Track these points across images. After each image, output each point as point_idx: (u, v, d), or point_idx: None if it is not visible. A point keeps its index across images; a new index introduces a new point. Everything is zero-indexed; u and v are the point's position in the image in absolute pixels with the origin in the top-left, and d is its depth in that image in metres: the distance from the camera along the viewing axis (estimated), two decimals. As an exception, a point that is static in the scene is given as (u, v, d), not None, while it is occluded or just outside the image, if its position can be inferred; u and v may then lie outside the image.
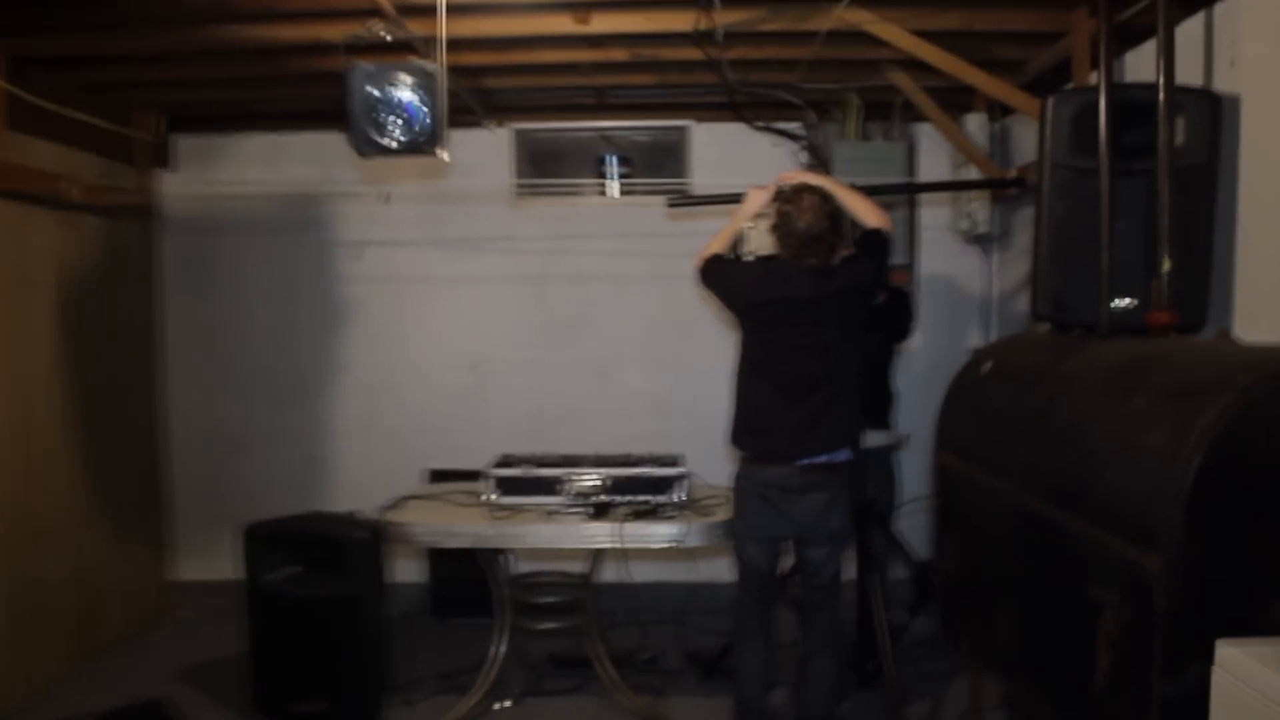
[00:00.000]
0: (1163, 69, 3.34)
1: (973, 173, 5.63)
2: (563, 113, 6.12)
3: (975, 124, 5.65)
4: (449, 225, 6.17)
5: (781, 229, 3.90)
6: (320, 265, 6.20)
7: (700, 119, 6.13)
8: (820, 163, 5.97)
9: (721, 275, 4.08)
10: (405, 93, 3.42)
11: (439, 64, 3.45)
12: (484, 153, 6.07)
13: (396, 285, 6.18)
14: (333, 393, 6.25)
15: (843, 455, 3.97)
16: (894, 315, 5.23)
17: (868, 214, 4.02)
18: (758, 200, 4.10)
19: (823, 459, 3.92)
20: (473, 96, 5.50)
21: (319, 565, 4.54)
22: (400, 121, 3.45)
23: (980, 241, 5.98)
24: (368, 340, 6.22)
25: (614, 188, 6.17)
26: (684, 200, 5.15)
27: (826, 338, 3.92)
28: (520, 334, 6.23)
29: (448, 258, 6.18)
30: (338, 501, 5.92)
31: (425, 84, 3.45)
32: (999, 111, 5.63)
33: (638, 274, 6.17)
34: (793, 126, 6.05)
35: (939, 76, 5.42)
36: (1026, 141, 5.63)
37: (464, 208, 6.13)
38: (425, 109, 3.41)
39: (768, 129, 6.02)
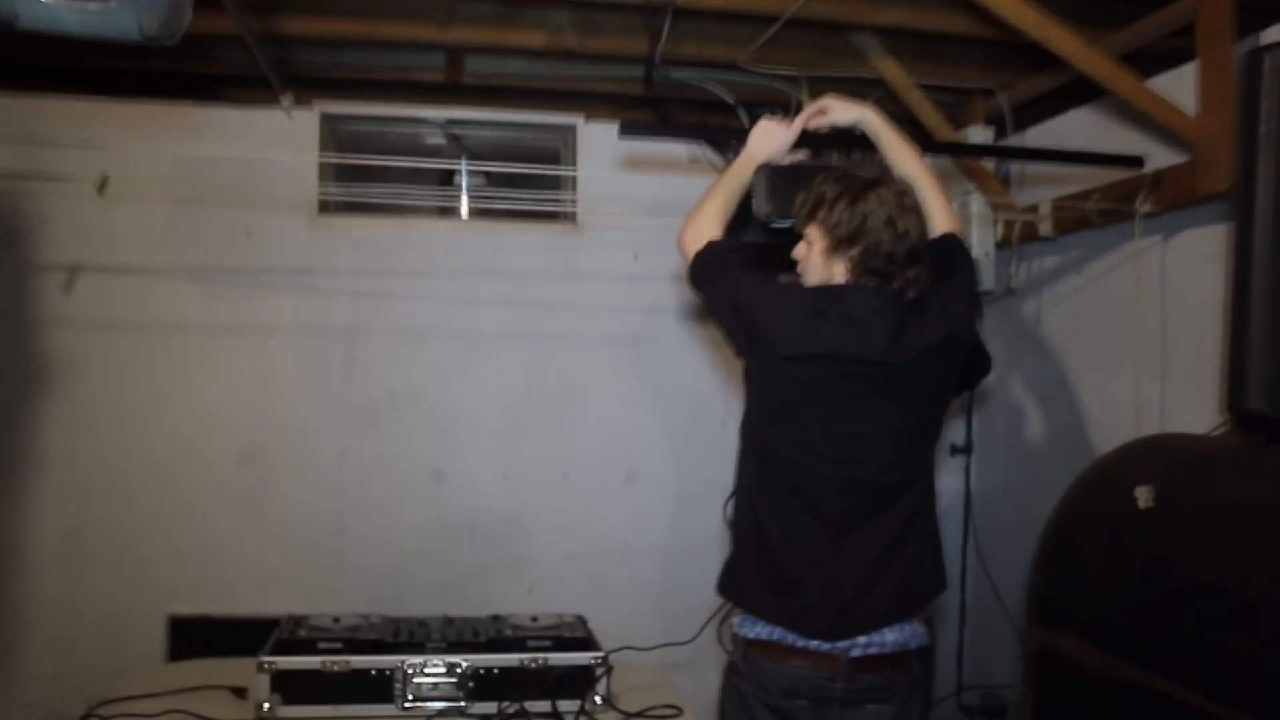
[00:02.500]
0: None
1: (976, 201, 4.04)
2: (395, 93, 4.22)
3: (978, 140, 4.11)
4: (213, 243, 4.10)
5: (849, 237, 2.31)
6: (5, 299, 4.02)
7: (592, 115, 4.36)
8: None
9: (732, 292, 2.44)
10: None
11: None
12: (275, 143, 4.09)
13: (126, 334, 4.05)
14: (21, 498, 4.00)
15: (919, 635, 2.40)
16: None
17: (941, 206, 2.55)
18: (774, 139, 2.68)
19: (890, 642, 2.35)
20: (262, 52, 3.57)
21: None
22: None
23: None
24: (80, 417, 4.02)
25: (464, 203, 4.31)
26: (642, 129, 3.36)
27: (905, 421, 2.37)
28: (318, 413, 4.17)
29: (209, 294, 4.09)
30: (21, 676, 3.92)
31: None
32: (1009, 125, 4.10)
33: (494, 329, 4.27)
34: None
35: (940, 68, 3.91)
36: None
37: (238, 219, 4.09)
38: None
39: (694, 133, 4.29)
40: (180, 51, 3.78)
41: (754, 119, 4.23)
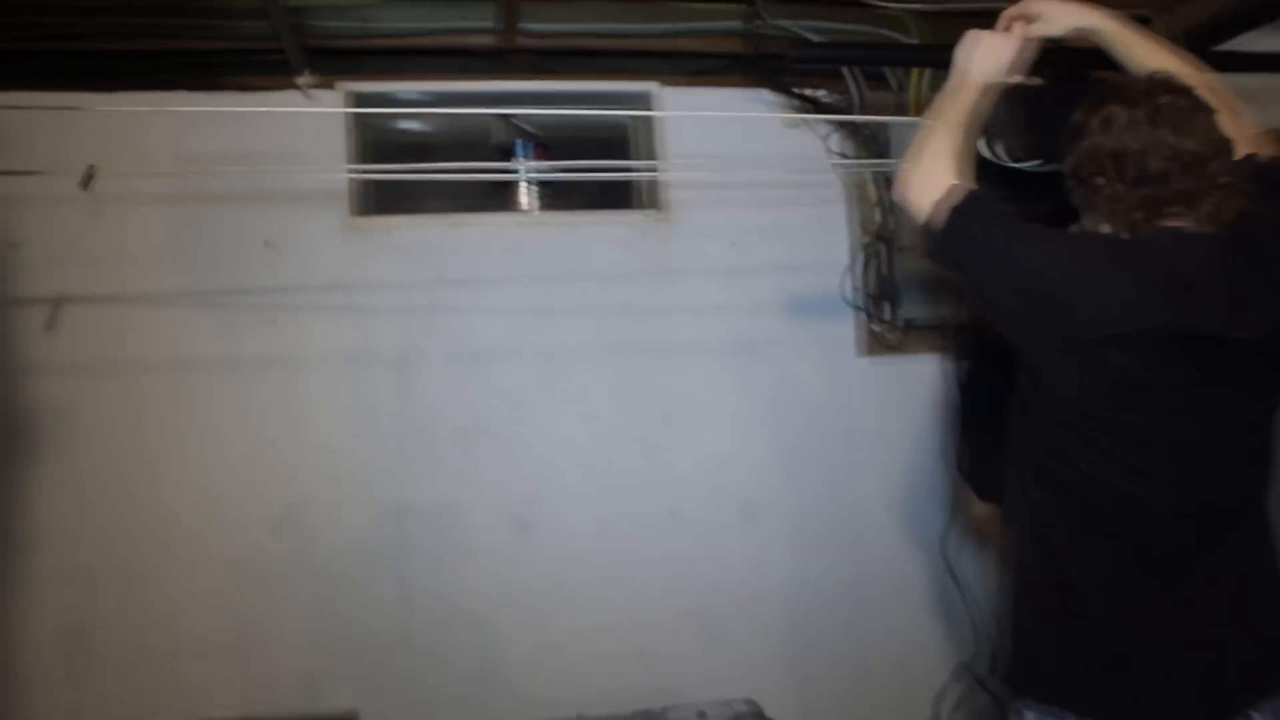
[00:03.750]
0: None
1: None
2: (431, 67, 3.51)
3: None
4: (226, 259, 3.37)
5: (1114, 159, 1.74)
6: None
7: (668, 82, 3.66)
8: (866, 152, 3.66)
9: (1006, 254, 1.78)
10: None
11: None
12: (297, 135, 3.34)
13: (126, 377, 3.29)
14: (10, 590, 3.22)
15: None
16: None
17: (1233, 121, 1.85)
18: (994, 55, 2.06)
19: None
20: (281, 19, 2.87)
21: None
22: None
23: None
24: (76, 485, 3.26)
25: (527, 195, 3.61)
26: (809, 53, 2.74)
27: (1245, 417, 1.80)
28: (368, 458, 3.41)
29: (226, 321, 3.35)
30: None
31: None
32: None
33: (574, 342, 3.54)
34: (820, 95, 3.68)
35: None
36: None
37: (257, 227, 3.37)
38: None
39: (796, 94, 3.61)
40: (166, 28, 3.12)
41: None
